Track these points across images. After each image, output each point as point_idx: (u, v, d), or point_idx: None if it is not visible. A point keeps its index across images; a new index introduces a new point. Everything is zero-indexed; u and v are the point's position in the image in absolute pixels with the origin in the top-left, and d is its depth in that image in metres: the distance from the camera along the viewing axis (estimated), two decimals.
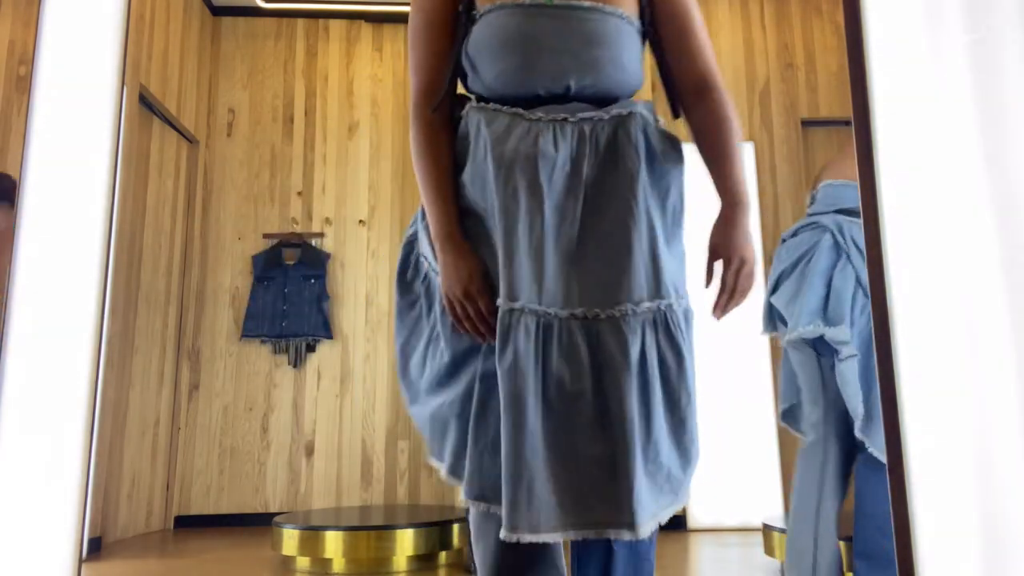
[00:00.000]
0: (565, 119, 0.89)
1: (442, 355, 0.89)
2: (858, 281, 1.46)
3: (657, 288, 0.84)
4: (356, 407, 3.11)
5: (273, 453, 3.03)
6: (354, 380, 3.15)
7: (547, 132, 0.88)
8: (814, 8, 3.34)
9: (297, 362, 3.13)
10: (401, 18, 3.37)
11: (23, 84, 1.98)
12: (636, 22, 0.96)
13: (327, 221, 3.30)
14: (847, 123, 1.54)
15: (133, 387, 2.75)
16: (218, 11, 3.37)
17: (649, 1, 0.97)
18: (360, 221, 3.29)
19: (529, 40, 0.90)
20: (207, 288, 3.21)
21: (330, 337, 3.15)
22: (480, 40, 0.93)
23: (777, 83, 3.27)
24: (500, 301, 0.83)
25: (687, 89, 0.98)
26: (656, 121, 0.93)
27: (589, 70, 0.91)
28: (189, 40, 3.19)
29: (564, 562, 0.89)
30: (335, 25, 3.45)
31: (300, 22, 3.43)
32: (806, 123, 3.18)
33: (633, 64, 0.95)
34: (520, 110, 0.90)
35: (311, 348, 3.15)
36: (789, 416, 1.60)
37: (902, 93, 1.29)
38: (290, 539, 2.11)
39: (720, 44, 3.23)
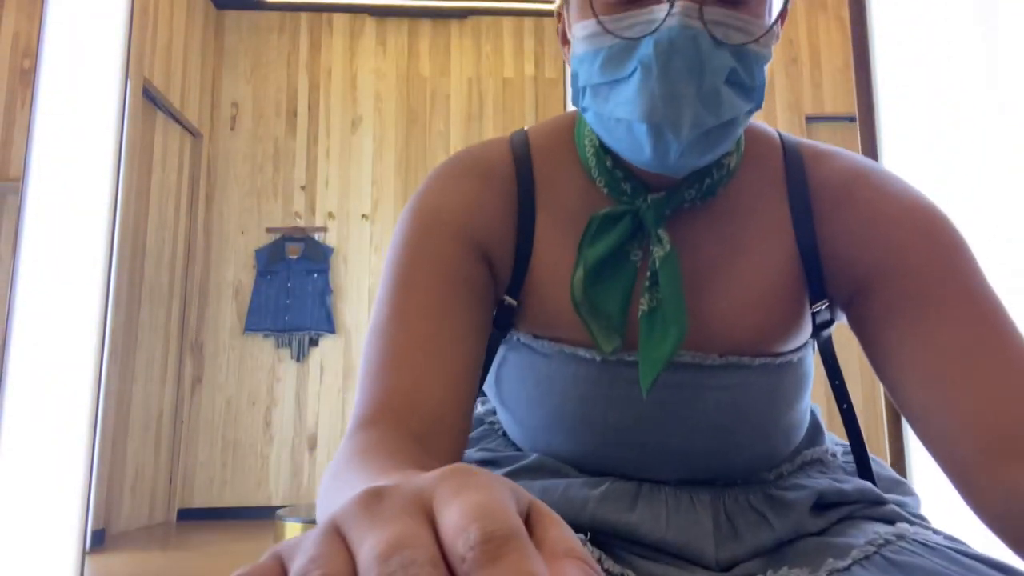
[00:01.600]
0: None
1: None
2: None
3: None
4: None
5: (276, 447, 3.04)
6: (357, 375, 3.16)
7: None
8: (819, 4, 3.33)
9: (300, 356, 3.14)
10: (405, 12, 3.36)
11: (27, 77, 1.98)
12: (809, 350, 0.59)
13: (330, 215, 3.30)
14: (852, 119, 1.53)
15: (136, 380, 2.76)
16: (222, 5, 3.37)
17: (851, 280, 0.55)
18: (363, 215, 3.29)
19: (590, 423, 0.56)
20: (210, 282, 3.22)
21: (333, 331, 3.16)
22: (508, 391, 0.61)
23: (781, 78, 3.27)
24: None
25: (979, 447, 0.46)
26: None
27: (717, 463, 0.57)
28: (193, 34, 3.19)
29: None
30: (339, 19, 3.44)
31: (304, 16, 3.43)
32: (810, 119, 3.18)
33: (800, 414, 0.60)
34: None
35: (314, 342, 3.16)
36: None
37: (906, 91, 1.29)
38: (292, 532, 2.12)
39: None
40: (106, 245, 1.63)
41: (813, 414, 0.64)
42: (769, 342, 0.56)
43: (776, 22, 0.51)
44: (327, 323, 3.18)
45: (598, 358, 0.55)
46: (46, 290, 1.56)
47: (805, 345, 0.58)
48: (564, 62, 0.59)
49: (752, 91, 0.51)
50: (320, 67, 3.43)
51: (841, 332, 0.61)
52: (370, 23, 3.48)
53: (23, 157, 1.71)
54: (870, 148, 1.44)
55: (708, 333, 0.55)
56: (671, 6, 0.47)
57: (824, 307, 0.56)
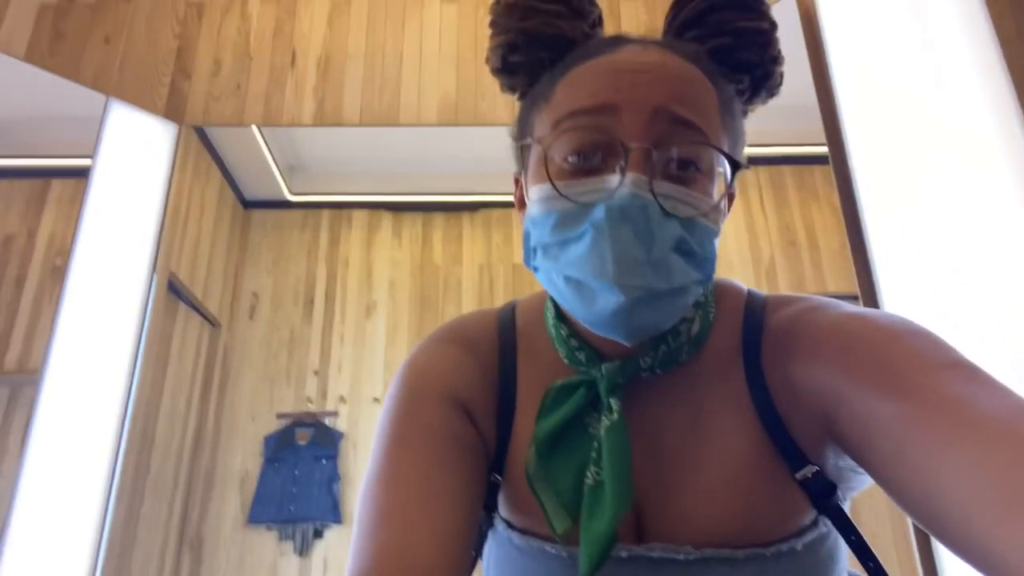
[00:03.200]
0: None
1: None
2: None
3: None
4: None
5: None
6: None
7: None
8: (810, 193, 3.53)
9: (303, 550, 2.98)
10: (419, 207, 3.58)
11: (58, 274, 2.08)
12: (821, 531, 0.53)
13: (342, 399, 3.29)
14: (855, 298, 1.56)
15: None
16: (249, 205, 3.61)
17: (819, 420, 0.52)
18: (375, 399, 3.28)
19: None
20: (216, 472, 3.14)
21: (339, 522, 3.02)
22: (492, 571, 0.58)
23: (782, 260, 3.38)
24: None
25: (989, 521, 0.38)
26: None
27: None
28: (220, 231, 3.39)
29: None
30: (358, 214, 3.66)
31: (325, 212, 3.66)
32: None
33: None
34: None
35: (319, 534, 3.02)
36: None
37: (904, 269, 1.32)
38: None
39: (724, 225, 3.38)
40: (115, 439, 1.61)
41: None
42: (753, 529, 0.50)
43: (723, 198, 0.54)
44: (333, 513, 3.06)
45: (565, 554, 0.52)
46: (49, 487, 1.53)
47: (813, 527, 0.52)
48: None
49: (703, 261, 0.52)
50: (339, 258, 3.60)
51: None
52: (387, 217, 3.70)
53: (43, 349, 1.74)
54: None
55: (679, 523, 0.51)
56: (623, 176, 0.50)
57: (812, 472, 0.51)
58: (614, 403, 0.52)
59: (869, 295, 1.45)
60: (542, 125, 0.56)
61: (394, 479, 0.51)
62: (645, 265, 0.48)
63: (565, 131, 0.53)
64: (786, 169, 3.47)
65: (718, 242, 0.53)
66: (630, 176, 0.50)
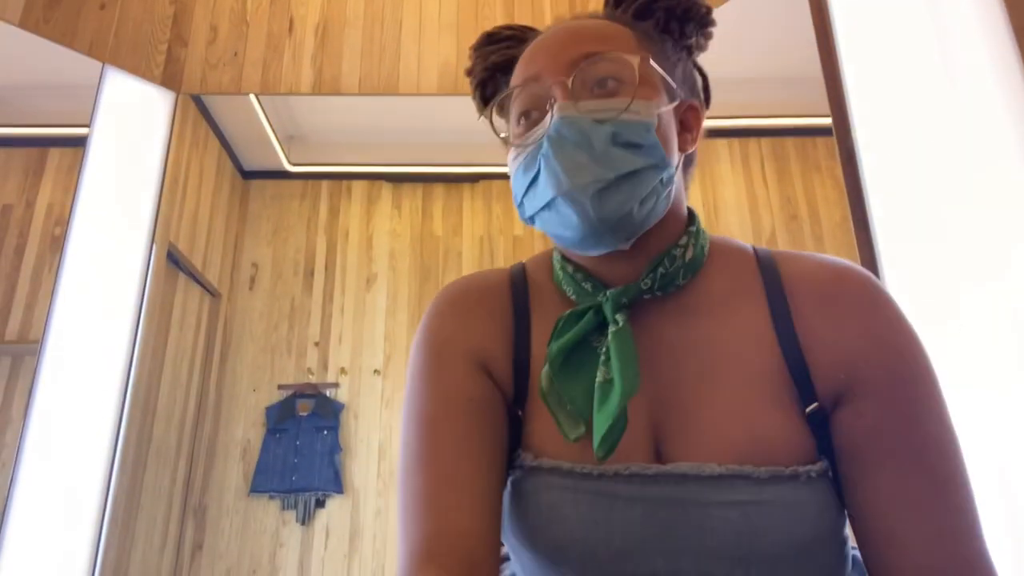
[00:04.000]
0: None
1: None
2: None
3: None
4: (365, 567, 2.96)
5: None
6: (363, 538, 3.02)
7: None
8: (812, 165, 3.50)
9: (305, 519, 3.02)
10: (417, 178, 3.56)
11: (56, 244, 2.08)
12: (829, 479, 0.54)
13: (342, 371, 3.31)
14: None
15: (135, 547, 2.64)
16: (248, 175, 3.59)
17: (834, 382, 0.55)
18: (375, 371, 3.29)
19: (594, 552, 0.53)
20: (219, 441, 3.17)
21: (340, 492, 3.06)
22: (516, 531, 0.57)
23: (783, 233, 3.37)
24: None
25: None
26: None
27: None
28: (219, 201, 3.37)
29: None
30: (357, 185, 3.64)
31: (324, 183, 3.64)
32: None
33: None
34: None
35: (320, 504, 3.05)
36: None
37: (906, 243, 1.32)
38: None
39: (725, 197, 3.37)
40: (117, 407, 1.62)
41: (856, 562, 0.58)
42: (772, 450, 0.53)
43: (635, 94, 0.59)
44: (335, 483, 3.09)
45: (595, 472, 0.54)
46: (52, 455, 1.54)
47: (820, 464, 0.54)
48: None
49: (647, 148, 0.58)
50: (338, 229, 3.59)
51: None
52: (387, 188, 3.68)
53: (44, 318, 1.75)
54: None
55: (703, 442, 0.54)
56: (552, 110, 0.59)
57: (817, 408, 0.55)
58: (620, 317, 0.57)
59: (870, 269, 1.45)
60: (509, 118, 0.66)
61: (429, 459, 0.57)
62: (590, 163, 0.56)
63: (512, 105, 0.64)
64: (788, 141, 3.45)
65: (658, 132, 0.59)
66: (556, 105, 0.58)
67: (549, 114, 0.59)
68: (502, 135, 0.66)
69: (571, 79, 0.59)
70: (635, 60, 0.59)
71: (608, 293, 0.59)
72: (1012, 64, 1.07)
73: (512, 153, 0.63)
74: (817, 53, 1.54)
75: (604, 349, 0.57)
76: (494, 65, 0.70)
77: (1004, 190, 1.11)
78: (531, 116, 0.62)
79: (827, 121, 1.53)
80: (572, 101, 0.58)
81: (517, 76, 0.65)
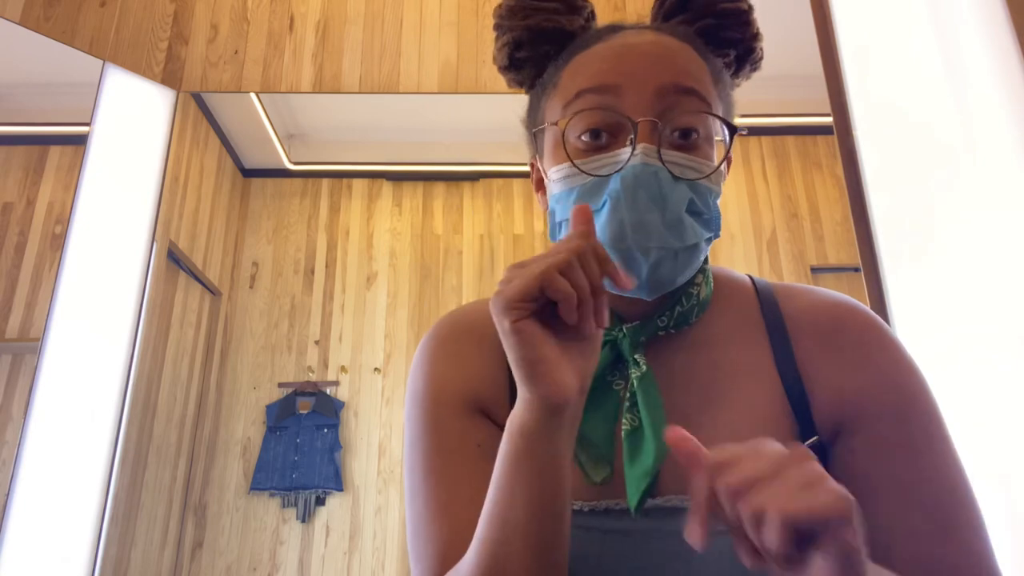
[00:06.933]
0: None
1: None
2: None
3: None
4: (365, 565, 2.96)
5: None
6: (363, 536, 3.03)
7: None
8: (813, 163, 3.50)
9: (306, 516, 3.02)
10: (418, 176, 3.56)
11: (57, 242, 2.08)
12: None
13: (343, 369, 3.31)
14: (856, 269, 1.56)
15: (136, 545, 2.65)
16: (249, 173, 3.59)
17: (834, 416, 0.55)
18: (375, 369, 3.30)
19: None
20: (219, 439, 3.17)
21: (340, 489, 3.06)
22: None
23: (783, 232, 3.37)
24: None
25: None
26: None
27: None
28: (220, 200, 3.37)
29: None
30: (358, 183, 3.64)
31: (325, 181, 3.64)
32: (815, 269, 3.24)
33: None
34: None
35: (320, 501, 3.06)
36: None
37: (906, 241, 1.32)
38: None
39: (725, 196, 3.36)
40: (117, 405, 1.62)
41: None
42: None
43: (723, 162, 0.58)
44: (335, 481, 3.10)
45: (586, 508, 0.54)
46: (53, 452, 1.54)
47: None
48: (541, 208, 0.66)
49: (710, 220, 0.57)
50: (339, 227, 3.58)
51: None
52: (387, 186, 3.68)
53: (44, 317, 1.75)
54: (877, 297, 1.46)
55: None
56: (633, 148, 0.54)
57: (815, 442, 0.55)
58: (639, 358, 0.57)
59: (871, 268, 1.45)
60: (553, 110, 0.60)
61: (441, 509, 0.56)
62: (661, 227, 0.53)
63: (577, 112, 0.57)
64: (789, 139, 3.45)
65: (719, 203, 0.58)
66: (640, 147, 0.54)
67: (629, 151, 0.54)
68: (545, 124, 0.61)
69: (656, 115, 0.54)
70: (719, 123, 0.57)
71: (625, 330, 0.58)
72: (1013, 64, 1.07)
73: (564, 168, 0.57)
74: (818, 51, 1.53)
75: (628, 395, 0.56)
76: (539, 29, 0.63)
77: (1004, 190, 1.11)
78: (600, 138, 0.56)
79: (828, 119, 1.53)
80: (656, 146, 0.54)
81: (586, 75, 0.58)
